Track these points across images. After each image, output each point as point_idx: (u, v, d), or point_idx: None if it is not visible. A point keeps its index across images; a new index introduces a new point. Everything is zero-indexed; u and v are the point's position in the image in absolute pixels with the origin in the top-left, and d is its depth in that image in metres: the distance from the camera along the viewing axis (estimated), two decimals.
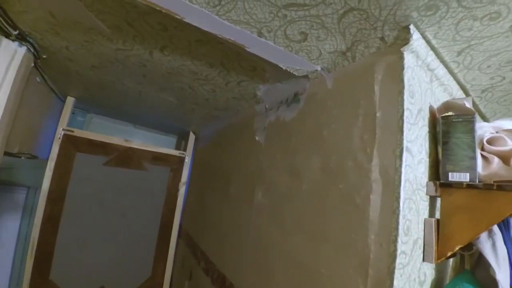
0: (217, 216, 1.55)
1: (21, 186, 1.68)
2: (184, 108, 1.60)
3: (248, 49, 0.82)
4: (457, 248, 0.68)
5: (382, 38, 0.72)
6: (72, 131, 1.67)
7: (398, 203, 0.63)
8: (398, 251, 0.61)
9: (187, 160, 2.09)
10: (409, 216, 0.65)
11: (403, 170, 0.64)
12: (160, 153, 1.99)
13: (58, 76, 1.49)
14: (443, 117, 0.74)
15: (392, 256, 0.62)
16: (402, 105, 0.67)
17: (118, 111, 1.94)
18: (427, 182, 0.73)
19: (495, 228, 0.72)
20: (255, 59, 0.91)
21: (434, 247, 0.69)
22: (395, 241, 0.62)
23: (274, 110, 1.17)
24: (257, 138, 1.26)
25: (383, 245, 0.64)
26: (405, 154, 0.65)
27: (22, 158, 1.43)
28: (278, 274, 0.96)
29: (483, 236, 0.71)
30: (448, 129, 0.72)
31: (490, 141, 0.76)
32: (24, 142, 1.37)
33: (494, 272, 0.66)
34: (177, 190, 2.03)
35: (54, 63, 1.30)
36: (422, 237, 0.70)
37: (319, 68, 0.91)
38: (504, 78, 0.81)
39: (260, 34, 0.77)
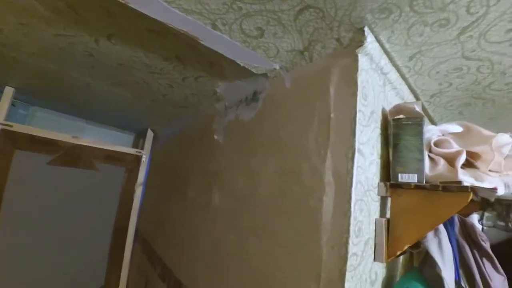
0: (174, 219, 1.47)
1: None
2: (140, 104, 1.50)
3: (202, 42, 0.77)
4: (406, 247, 0.70)
5: (338, 39, 0.72)
6: (11, 126, 1.48)
7: (350, 205, 0.63)
8: (349, 253, 0.61)
9: (144, 160, 1.97)
10: (360, 218, 0.65)
11: (354, 172, 0.64)
12: (114, 151, 1.84)
13: None
14: (394, 120, 0.75)
15: (344, 259, 0.61)
16: (355, 107, 0.67)
17: (67, 105, 1.76)
18: (378, 183, 0.74)
19: (441, 227, 0.75)
20: (212, 54, 0.86)
21: (385, 247, 0.71)
22: (346, 243, 0.61)
23: (234, 108, 1.14)
24: (216, 137, 1.21)
25: (335, 248, 0.64)
26: (356, 156, 0.65)
27: None
28: (233, 279, 0.93)
29: (430, 235, 0.74)
30: (399, 132, 0.74)
31: (437, 144, 0.80)
32: None
33: (440, 270, 0.69)
34: (133, 191, 1.90)
35: None
36: (373, 237, 0.71)
37: (277, 67, 0.89)
38: (451, 84, 0.86)
39: (214, 26, 0.73)
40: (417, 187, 0.69)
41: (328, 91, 0.75)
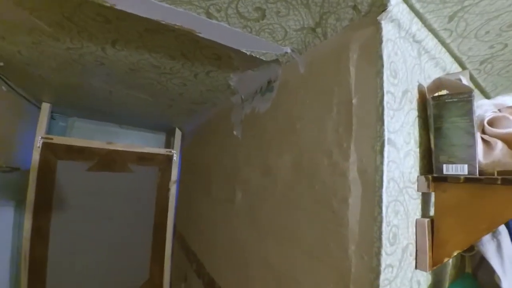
0: (203, 216, 1.47)
1: (9, 201, 1.61)
2: (160, 105, 1.50)
3: (200, 35, 0.70)
4: (455, 253, 0.58)
5: (354, 7, 0.60)
6: (51, 138, 1.59)
7: (380, 208, 0.52)
8: (383, 266, 0.51)
9: (175, 158, 2.00)
10: (395, 222, 0.55)
11: (385, 168, 0.53)
12: (146, 153, 1.90)
13: (25, 83, 1.40)
14: (433, 98, 0.61)
15: (376, 272, 0.52)
16: (382, 88, 0.55)
17: (99, 113, 1.85)
18: (417, 177, 0.62)
19: (501, 226, 0.61)
20: (216, 46, 0.79)
21: (428, 253, 0.59)
22: (378, 254, 0.52)
23: (250, 101, 1.06)
24: (235, 132, 1.15)
25: (365, 258, 0.54)
26: (387, 148, 0.53)
27: None
28: (257, 280, 0.89)
29: (486, 237, 0.60)
30: (441, 112, 0.60)
31: (491, 122, 0.64)
32: None
33: (500, 280, 0.56)
34: (168, 190, 1.96)
35: (14, 69, 1.21)
36: (413, 241, 0.60)
37: (288, 50, 0.79)
38: (506, 45, 0.68)
39: (208, 15, 0.65)
40: (468, 180, 0.56)
41: (348, 72, 0.63)
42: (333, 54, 0.68)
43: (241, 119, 1.12)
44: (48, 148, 1.57)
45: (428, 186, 0.60)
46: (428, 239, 0.60)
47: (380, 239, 0.52)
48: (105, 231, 1.80)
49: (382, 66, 0.56)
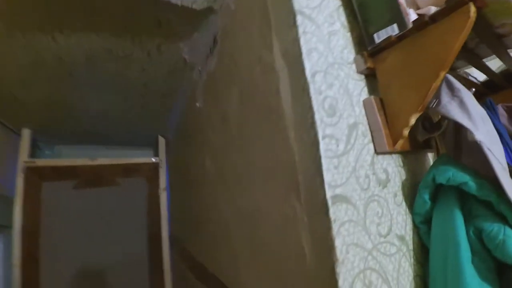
0: (193, 212, 1.41)
1: None
2: (133, 106, 1.50)
3: None
4: (413, 120, 0.51)
5: None
6: (34, 162, 1.60)
7: (305, 75, 0.48)
8: (320, 134, 0.46)
9: (162, 165, 1.97)
10: (329, 93, 0.50)
11: (301, 37, 0.50)
12: (131, 163, 1.88)
13: (1, 109, 1.44)
14: None
15: (315, 143, 0.46)
16: None
17: (84, 135, 1.87)
18: (354, 57, 0.58)
19: (457, 84, 0.55)
20: (150, 7, 0.81)
21: (384, 131, 0.53)
22: (313, 123, 0.47)
23: (204, 67, 1.06)
24: (197, 104, 1.13)
25: (304, 137, 0.49)
26: (299, 18, 0.51)
27: None
28: (235, 240, 0.81)
29: (445, 98, 0.54)
30: None
31: None
32: None
33: (472, 133, 0.48)
34: (158, 198, 1.90)
35: None
36: (362, 122, 0.54)
37: None
38: None
39: None
40: (400, 37, 0.52)
41: None
42: None
43: (201, 90, 1.11)
44: (32, 171, 1.57)
45: (366, 62, 0.56)
46: (380, 116, 0.54)
47: (311, 106, 0.47)
48: (98, 250, 1.73)
49: None
